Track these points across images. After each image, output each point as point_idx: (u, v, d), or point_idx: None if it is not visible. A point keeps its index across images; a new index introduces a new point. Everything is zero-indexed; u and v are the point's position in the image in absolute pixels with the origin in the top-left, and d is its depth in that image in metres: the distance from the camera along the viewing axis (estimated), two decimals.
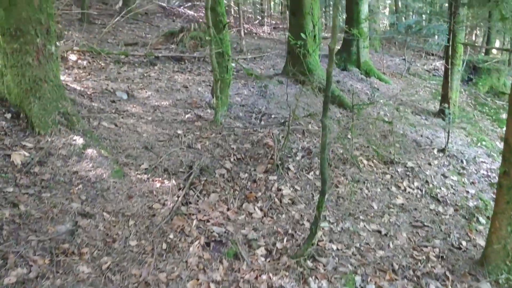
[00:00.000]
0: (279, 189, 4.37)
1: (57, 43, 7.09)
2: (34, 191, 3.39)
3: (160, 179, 4.06)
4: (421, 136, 6.57)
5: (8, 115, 4.30)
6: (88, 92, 5.68)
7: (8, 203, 3.19)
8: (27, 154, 3.81)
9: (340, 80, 8.44)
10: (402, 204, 4.64)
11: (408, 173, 5.28)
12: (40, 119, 4.16)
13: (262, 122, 5.85)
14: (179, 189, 4.01)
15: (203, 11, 15.45)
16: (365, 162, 5.29)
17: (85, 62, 7.19)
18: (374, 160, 5.36)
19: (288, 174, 4.67)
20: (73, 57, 7.20)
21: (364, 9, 9.15)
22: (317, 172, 4.73)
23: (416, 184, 5.08)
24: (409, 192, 4.90)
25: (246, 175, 4.51)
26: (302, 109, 6.24)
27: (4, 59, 4.33)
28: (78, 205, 3.39)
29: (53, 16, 4.57)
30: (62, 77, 5.78)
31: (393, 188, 4.92)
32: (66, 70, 6.65)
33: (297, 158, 4.99)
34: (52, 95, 4.31)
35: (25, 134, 4.14)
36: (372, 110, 7.18)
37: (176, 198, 3.82)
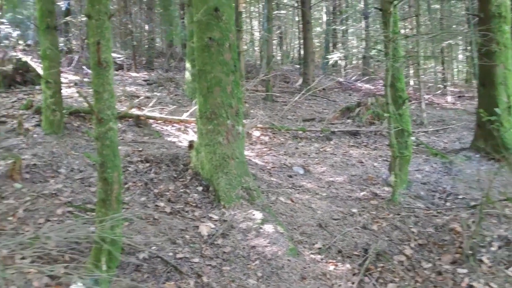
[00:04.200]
0: (470, 285, 3.75)
1: (244, 121, 7.83)
2: (216, 263, 3.60)
3: (334, 261, 3.91)
4: None
5: (200, 188, 4.78)
6: (268, 167, 6.01)
7: (194, 273, 3.43)
8: (212, 226, 4.12)
9: None
10: None
11: None
12: (225, 193, 4.51)
13: (448, 203, 5.28)
14: (354, 274, 3.78)
15: (380, 85, 15.40)
16: None
17: (266, 138, 7.71)
18: None
19: (481, 267, 4.01)
20: (256, 133, 7.81)
21: None
22: None
23: None
24: None
25: (430, 264, 4.03)
26: (497, 190, 5.45)
27: (200, 138, 4.91)
28: (254, 282, 3.45)
29: (242, 99, 5.07)
30: (245, 152, 6.28)
31: None
32: (250, 146, 7.21)
33: (492, 248, 4.27)
34: (237, 171, 4.67)
35: (212, 206, 4.52)
36: None
37: (351, 285, 3.59)
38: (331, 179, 5.90)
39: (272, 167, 6.06)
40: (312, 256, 3.95)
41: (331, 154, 7.07)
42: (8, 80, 8.54)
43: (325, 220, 4.63)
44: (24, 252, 3.29)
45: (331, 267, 3.82)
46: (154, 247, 3.63)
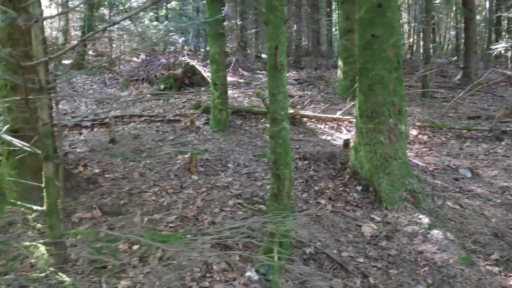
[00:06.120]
0: None
1: None
2: (382, 266, 3.53)
3: None
4: None
5: (359, 188, 4.74)
6: (430, 168, 5.66)
7: (360, 273, 3.42)
8: (375, 227, 4.05)
9: None
10: None
11: None
12: (387, 194, 4.39)
13: None
14: None
15: None
16: None
17: (425, 137, 7.27)
18: None
19: None
20: (413, 132, 7.42)
21: None
22: None
23: None
24: None
25: None
26: None
27: (360, 137, 4.86)
28: None
29: (404, 97, 4.86)
30: None
31: None
32: (408, 145, 6.87)
33: None
34: (400, 172, 4.51)
35: (373, 207, 4.44)
36: None
37: None
38: (505, 184, 5.30)
39: (435, 169, 5.69)
40: (489, 267, 3.61)
41: (503, 156, 6.34)
42: (178, 83, 9.60)
43: (501, 229, 4.18)
44: (204, 238, 3.67)
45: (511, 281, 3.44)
46: (318, 243, 3.72)
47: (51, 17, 2.61)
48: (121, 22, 13.40)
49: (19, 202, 2.56)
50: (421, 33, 18.42)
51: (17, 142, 2.36)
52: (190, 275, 3.26)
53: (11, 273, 2.72)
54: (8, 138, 2.43)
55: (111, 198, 4.31)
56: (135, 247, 3.64)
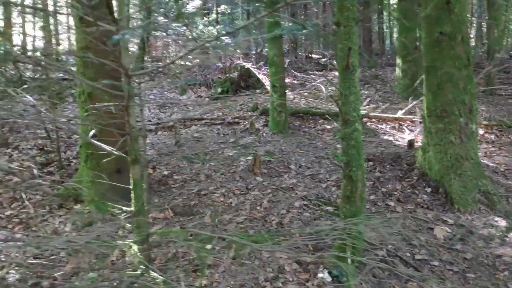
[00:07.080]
0: None
1: None
2: (458, 269, 3.43)
3: None
4: None
5: (428, 189, 4.62)
6: (501, 169, 5.42)
7: (435, 276, 3.34)
8: (448, 230, 3.94)
9: None
10: None
11: None
12: (460, 196, 4.26)
13: None
14: None
15: None
16: None
17: (492, 136, 6.97)
18: None
19: None
20: (480, 131, 7.13)
21: None
22: None
23: None
24: None
25: None
26: None
27: (428, 137, 4.74)
28: None
29: (475, 95, 4.69)
30: None
31: None
32: None
33: None
34: (472, 173, 4.35)
35: (444, 209, 4.32)
36: None
37: None
38: None
39: (506, 169, 5.44)
40: None
41: None
42: (235, 85, 9.75)
43: None
44: (295, 239, 3.71)
45: None
46: (390, 246, 3.67)
47: (133, 29, 2.76)
48: (177, 27, 13.78)
49: (110, 204, 2.72)
50: (481, 28, 17.59)
51: (105, 147, 2.51)
52: (263, 275, 3.32)
53: (100, 271, 2.89)
54: (97, 143, 2.58)
55: (182, 199, 4.46)
56: (208, 246, 3.75)
